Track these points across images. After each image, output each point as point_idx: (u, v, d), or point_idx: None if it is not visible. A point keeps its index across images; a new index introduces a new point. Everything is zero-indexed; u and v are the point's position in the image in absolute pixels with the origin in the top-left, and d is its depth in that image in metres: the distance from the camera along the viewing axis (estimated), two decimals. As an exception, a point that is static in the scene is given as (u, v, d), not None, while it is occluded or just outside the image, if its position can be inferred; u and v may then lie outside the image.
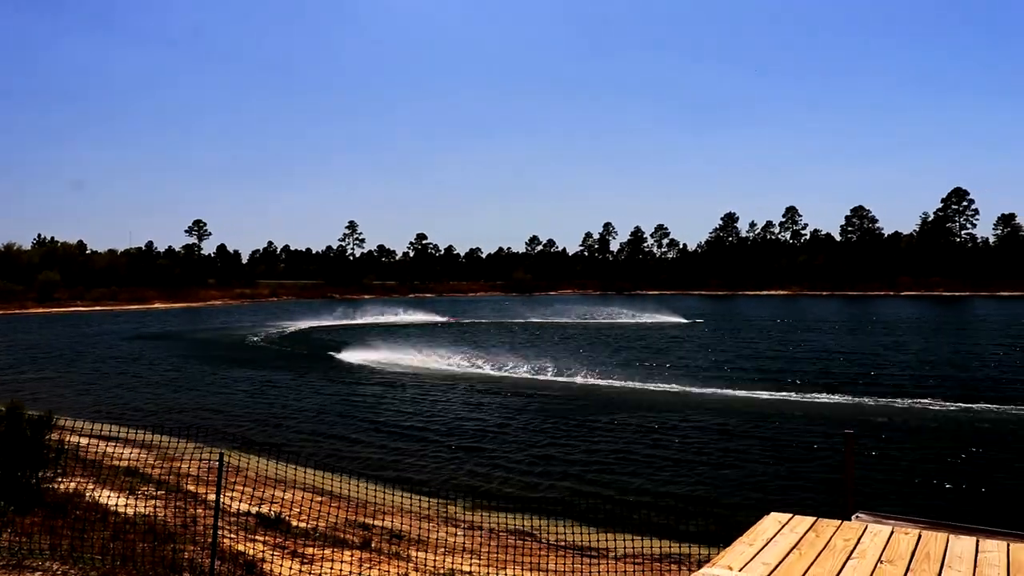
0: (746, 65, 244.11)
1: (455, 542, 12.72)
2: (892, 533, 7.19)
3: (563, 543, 12.33)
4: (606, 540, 11.87)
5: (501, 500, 15.14)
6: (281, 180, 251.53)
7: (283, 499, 12.95)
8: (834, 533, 7.06)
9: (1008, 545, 6.87)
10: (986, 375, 31.42)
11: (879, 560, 6.41)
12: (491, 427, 22.24)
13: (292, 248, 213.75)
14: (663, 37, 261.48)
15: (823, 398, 25.56)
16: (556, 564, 11.27)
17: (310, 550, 10.56)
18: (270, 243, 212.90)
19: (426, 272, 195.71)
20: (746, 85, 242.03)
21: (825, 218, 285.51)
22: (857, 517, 8.55)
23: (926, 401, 24.70)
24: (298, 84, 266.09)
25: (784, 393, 26.65)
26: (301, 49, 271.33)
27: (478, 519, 14.03)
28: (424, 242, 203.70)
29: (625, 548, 11.64)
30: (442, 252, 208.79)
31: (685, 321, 71.27)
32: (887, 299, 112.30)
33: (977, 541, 6.99)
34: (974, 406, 23.74)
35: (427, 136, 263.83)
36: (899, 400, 24.99)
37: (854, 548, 6.67)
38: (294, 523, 12.02)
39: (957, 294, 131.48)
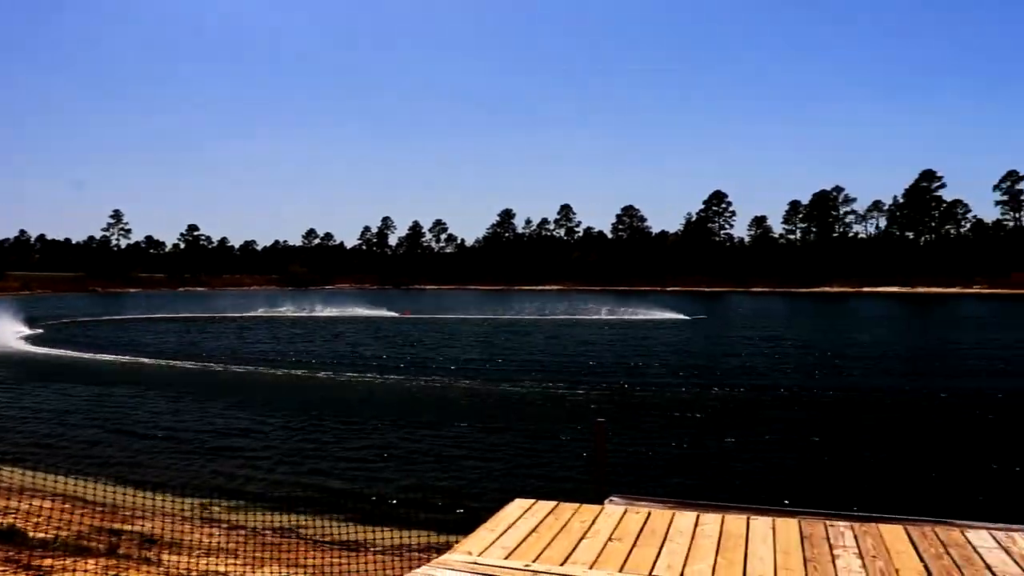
0: (523, 66, 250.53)
1: (213, 543, 12.30)
2: (625, 512, 7.70)
3: (325, 539, 12.24)
4: (368, 534, 11.90)
5: (263, 499, 14.82)
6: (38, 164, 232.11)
7: (19, 508, 12.03)
8: (572, 515, 7.45)
9: (723, 516, 7.56)
10: (738, 364, 34.06)
11: (609, 538, 6.85)
12: (251, 425, 21.64)
13: (49, 238, 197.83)
14: (445, 36, 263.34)
15: (580, 390, 26.74)
16: (316, 559, 11.19)
17: (47, 561, 9.89)
18: (22, 232, 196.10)
19: (198, 265, 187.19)
20: (525, 85, 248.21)
21: (598, 217, 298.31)
22: (611, 501, 9.06)
23: (681, 389, 26.47)
24: (60, 57, 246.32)
25: (547, 384, 27.67)
26: (55, 26, 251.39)
27: (240, 518, 13.66)
28: (196, 233, 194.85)
29: (386, 541, 11.73)
30: (215, 244, 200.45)
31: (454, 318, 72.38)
32: (655, 294, 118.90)
33: (698, 516, 7.62)
34: (717, 390, 25.74)
35: (204, 123, 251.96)
36: (652, 388, 26.64)
37: (588, 528, 7.09)
38: (31, 534, 11.20)
39: (717, 290, 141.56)
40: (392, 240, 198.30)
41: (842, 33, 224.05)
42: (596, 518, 7.40)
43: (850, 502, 12.20)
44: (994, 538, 7.05)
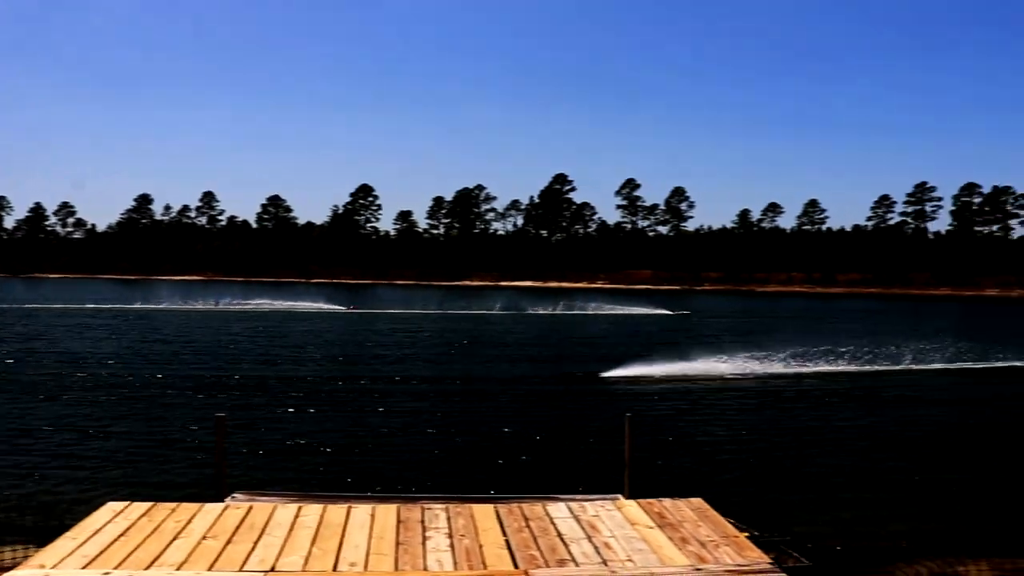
0: (161, 40, 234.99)
1: None
2: (226, 508, 7.53)
3: None
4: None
5: None
6: None
7: None
8: (168, 516, 7.16)
9: (324, 507, 7.65)
10: (378, 354, 34.61)
11: (204, 537, 6.67)
12: None
13: None
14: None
15: (209, 382, 25.79)
16: None
17: None
18: None
19: None
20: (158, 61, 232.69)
21: (242, 205, 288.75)
22: (233, 498, 8.80)
23: (309, 379, 26.40)
24: None
25: (173, 376, 26.35)
26: None
27: None
28: None
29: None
30: None
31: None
32: (300, 285, 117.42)
33: (299, 508, 7.65)
34: (349, 382, 26.06)
35: None
36: (286, 379, 26.34)
37: (183, 528, 6.85)
38: None
39: (362, 281, 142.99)
40: (9, 223, 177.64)
41: (485, 41, 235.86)
42: (193, 517, 7.17)
43: (458, 486, 12.86)
44: (569, 509, 7.83)
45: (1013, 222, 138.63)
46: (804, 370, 30.79)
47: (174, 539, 6.57)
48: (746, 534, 9.44)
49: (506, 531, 7.12)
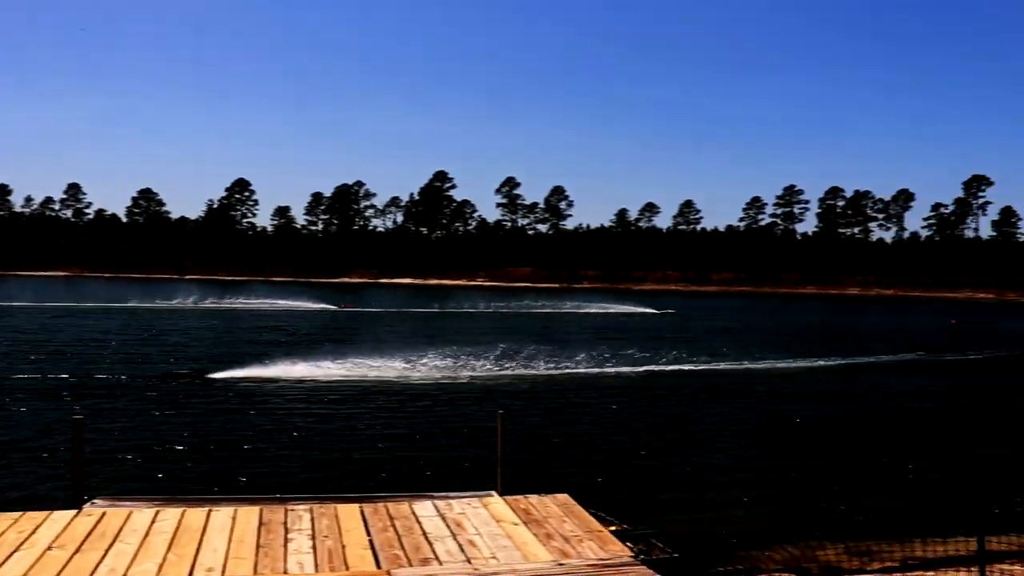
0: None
1: None
2: (76, 516, 7.20)
3: None
4: None
5: None
6: None
7: None
8: (9, 527, 6.80)
9: (183, 511, 7.41)
10: (239, 352, 33.73)
11: (49, 547, 6.35)
12: None
13: None
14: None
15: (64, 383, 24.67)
16: None
17: None
18: None
19: None
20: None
21: (111, 198, 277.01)
22: (93, 503, 8.39)
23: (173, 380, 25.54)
24: None
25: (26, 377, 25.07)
26: None
27: None
28: None
29: None
30: None
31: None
32: (174, 282, 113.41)
33: (156, 512, 7.38)
34: (219, 376, 25.34)
35: None
36: (143, 378, 25.42)
37: (26, 539, 6.51)
38: None
39: (238, 278, 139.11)
40: None
41: (362, 37, 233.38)
42: (39, 526, 6.83)
43: (326, 485, 12.68)
44: (436, 507, 7.82)
45: (872, 225, 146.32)
46: (673, 368, 31.65)
47: (14, 551, 6.22)
48: (615, 528, 9.66)
49: (370, 531, 7.05)
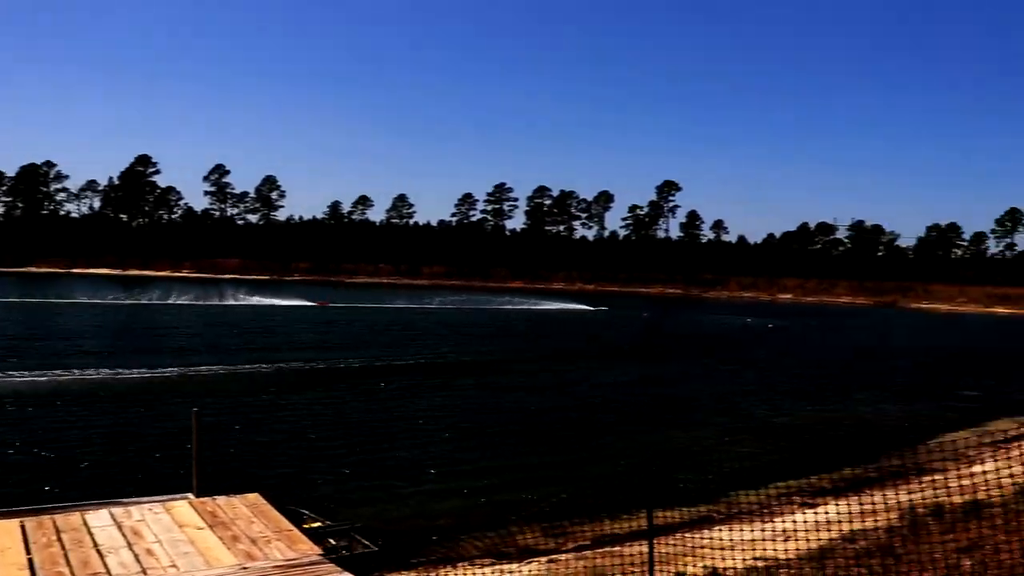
0: None
1: None
2: None
3: None
4: None
5: None
6: None
7: None
8: None
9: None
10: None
11: None
12: None
13: None
14: None
15: None
16: None
17: None
18: None
19: None
20: None
21: None
22: None
23: None
24: None
25: None
26: None
27: None
28: None
29: None
30: None
31: None
32: None
33: None
34: None
35: None
36: None
37: None
38: None
39: None
40: None
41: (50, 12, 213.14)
42: None
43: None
44: (112, 516, 7.25)
45: (576, 223, 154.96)
46: (384, 363, 31.82)
47: None
48: (317, 524, 9.47)
49: (31, 548, 6.39)
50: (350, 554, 8.88)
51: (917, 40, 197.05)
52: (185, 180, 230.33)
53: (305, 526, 8.42)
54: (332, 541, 9.03)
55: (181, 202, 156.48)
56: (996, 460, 9.58)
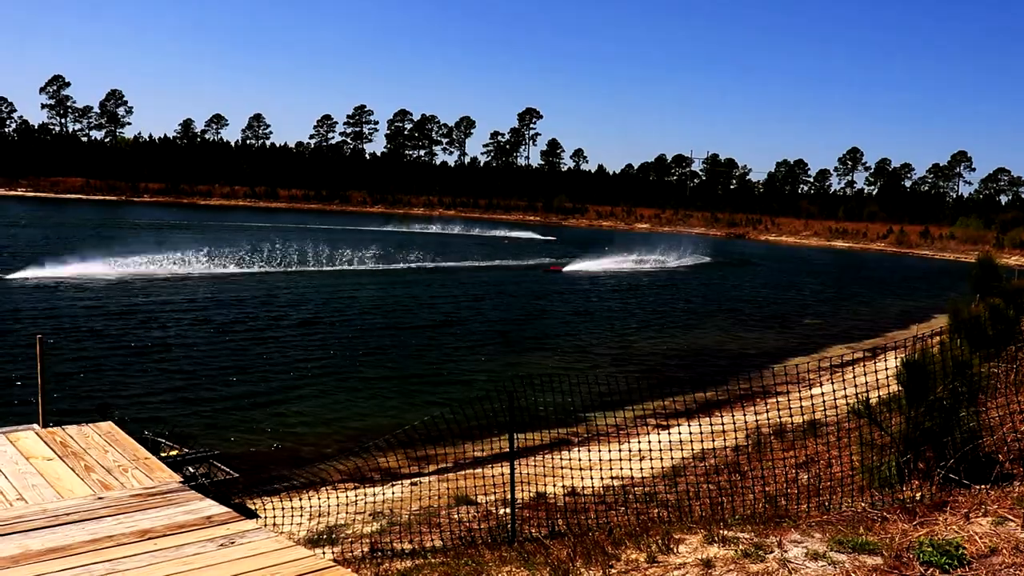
0: None
1: None
2: None
3: None
4: None
5: None
6: None
7: None
8: None
9: None
10: None
11: None
12: None
13: None
14: None
15: None
16: None
17: None
18: None
19: None
20: None
21: None
22: None
23: None
24: None
25: None
26: None
27: None
28: None
29: None
30: None
31: None
32: None
33: None
34: None
35: None
36: None
37: None
38: None
39: None
40: None
41: None
42: None
43: None
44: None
45: (437, 149, 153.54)
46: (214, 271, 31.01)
47: None
48: (175, 452, 9.20)
49: None
50: (211, 481, 8.72)
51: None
52: (18, 91, 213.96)
53: (163, 455, 8.19)
54: (191, 469, 8.84)
55: (15, 115, 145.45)
56: (832, 383, 10.23)
